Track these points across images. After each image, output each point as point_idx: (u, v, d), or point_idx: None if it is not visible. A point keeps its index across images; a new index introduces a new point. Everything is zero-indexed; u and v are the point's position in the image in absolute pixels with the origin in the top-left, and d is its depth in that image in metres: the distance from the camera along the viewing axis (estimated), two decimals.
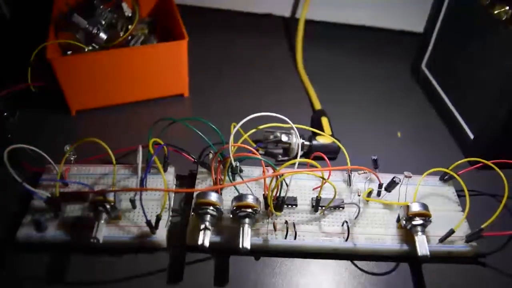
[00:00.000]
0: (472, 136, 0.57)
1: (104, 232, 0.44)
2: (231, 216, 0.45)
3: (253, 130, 0.49)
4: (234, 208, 0.44)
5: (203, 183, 0.51)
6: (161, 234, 0.45)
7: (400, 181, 0.48)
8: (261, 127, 0.50)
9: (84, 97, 0.59)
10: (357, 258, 0.47)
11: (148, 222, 0.44)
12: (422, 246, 0.43)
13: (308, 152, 0.55)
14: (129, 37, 0.62)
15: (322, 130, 0.57)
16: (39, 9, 0.66)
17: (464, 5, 0.59)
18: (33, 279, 0.43)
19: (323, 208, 0.48)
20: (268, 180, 0.45)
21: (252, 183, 0.51)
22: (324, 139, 0.55)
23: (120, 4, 0.62)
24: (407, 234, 0.47)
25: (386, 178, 0.50)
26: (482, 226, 0.45)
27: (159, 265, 0.45)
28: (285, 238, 0.46)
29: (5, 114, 0.57)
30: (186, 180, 0.53)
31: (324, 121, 0.59)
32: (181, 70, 0.61)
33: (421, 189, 0.51)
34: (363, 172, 0.52)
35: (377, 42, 0.77)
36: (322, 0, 0.75)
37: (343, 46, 0.77)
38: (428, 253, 0.43)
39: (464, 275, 0.46)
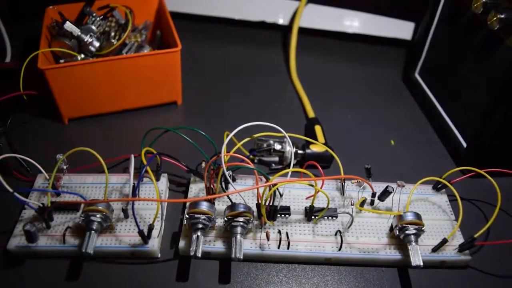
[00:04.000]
0: (465, 145, 0.57)
1: (96, 242, 0.44)
2: (224, 225, 0.45)
3: (247, 139, 0.49)
4: (227, 217, 0.44)
5: (196, 192, 0.51)
6: (154, 244, 0.45)
7: (393, 190, 0.48)
8: (254, 136, 0.50)
9: (77, 105, 0.59)
10: (351, 265, 0.47)
11: (141, 232, 0.44)
12: (416, 256, 0.43)
13: (302, 160, 0.55)
14: (123, 44, 0.62)
15: (316, 138, 0.57)
16: (32, 17, 0.66)
17: (457, 13, 0.59)
18: None
19: (316, 217, 0.48)
20: (261, 190, 0.45)
21: (245, 192, 0.50)
22: (318, 147, 0.55)
23: (113, 12, 0.62)
24: (400, 243, 0.47)
25: (379, 187, 0.50)
26: (475, 236, 0.45)
27: (153, 271, 0.45)
28: (278, 247, 0.46)
29: None
30: (181, 189, 0.53)
31: (318, 129, 0.59)
32: (174, 78, 0.61)
33: (414, 198, 0.51)
34: (356, 181, 0.52)
35: (370, 49, 0.78)
36: (315, 8, 0.75)
37: (336, 54, 0.77)
38: (422, 263, 0.43)
39: (449, 277, 0.46)
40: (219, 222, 0.47)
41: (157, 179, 0.51)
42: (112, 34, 0.62)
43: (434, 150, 0.61)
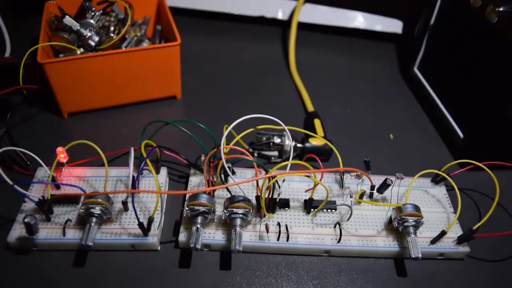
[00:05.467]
0: (462, 137, 0.57)
1: (96, 234, 0.44)
2: (223, 217, 0.45)
3: (246, 132, 0.49)
4: (226, 209, 0.44)
5: (196, 185, 0.51)
6: (154, 236, 0.45)
7: (392, 182, 0.48)
8: (256, 127, 0.50)
9: (76, 99, 0.59)
10: (350, 257, 0.47)
11: (140, 225, 0.44)
12: (415, 248, 0.44)
13: (301, 154, 0.55)
14: (123, 39, 0.62)
15: (315, 132, 0.57)
16: (32, 12, 0.66)
17: (456, 7, 0.59)
18: (24, 282, 0.43)
19: (315, 209, 0.48)
20: (260, 182, 0.45)
21: (245, 185, 0.51)
22: (317, 141, 0.55)
23: (113, 6, 0.62)
24: (399, 235, 0.47)
25: (378, 180, 0.50)
26: (474, 228, 0.45)
27: (153, 263, 0.45)
28: (278, 239, 0.46)
29: None
30: (181, 181, 0.53)
31: (317, 123, 0.59)
32: (174, 73, 0.61)
33: (413, 191, 0.52)
34: (355, 173, 0.52)
35: (368, 44, 0.78)
36: (314, 2, 0.75)
37: (335, 48, 0.77)
38: (420, 255, 0.43)
39: (447, 268, 0.47)
40: (219, 214, 0.47)
41: (157, 172, 0.51)
42: (112, 28, 0.62)
43: (432, 143, 0.61)
